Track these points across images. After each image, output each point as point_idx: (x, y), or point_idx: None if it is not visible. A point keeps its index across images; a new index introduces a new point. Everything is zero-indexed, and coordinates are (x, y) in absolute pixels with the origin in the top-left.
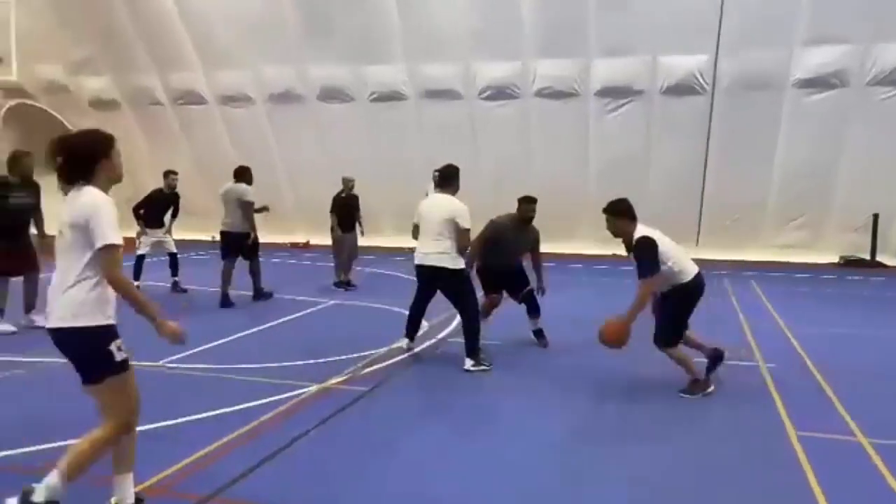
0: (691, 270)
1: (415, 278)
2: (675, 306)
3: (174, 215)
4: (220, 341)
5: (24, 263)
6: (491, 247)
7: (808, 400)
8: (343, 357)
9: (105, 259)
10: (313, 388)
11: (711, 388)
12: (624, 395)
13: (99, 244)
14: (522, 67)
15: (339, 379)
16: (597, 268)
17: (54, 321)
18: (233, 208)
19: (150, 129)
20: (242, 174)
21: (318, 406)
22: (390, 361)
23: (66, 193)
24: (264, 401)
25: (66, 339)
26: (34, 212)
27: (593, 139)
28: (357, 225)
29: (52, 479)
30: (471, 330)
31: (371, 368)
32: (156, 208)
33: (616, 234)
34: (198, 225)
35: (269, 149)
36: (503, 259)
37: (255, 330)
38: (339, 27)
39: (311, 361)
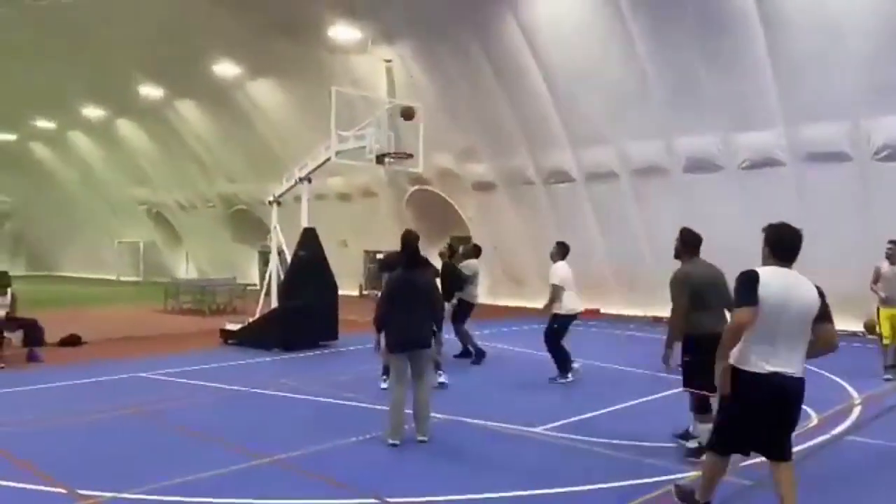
0: None
1: None
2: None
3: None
4: (588, 414)
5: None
6: None
7: None
8: None
9: None
10: (692, 473)
11: None
12: None
13: None
14: None
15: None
16: None
17: None
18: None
19: (521, 206)
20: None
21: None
22: None
23: None
24: (645, 480)
25: None
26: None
27: None
28: None
29: None
30: None
31: (751, 461)
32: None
33: None
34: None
35: (631, 223)
36: None
37: (626, 405)
38: (707, 96)
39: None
